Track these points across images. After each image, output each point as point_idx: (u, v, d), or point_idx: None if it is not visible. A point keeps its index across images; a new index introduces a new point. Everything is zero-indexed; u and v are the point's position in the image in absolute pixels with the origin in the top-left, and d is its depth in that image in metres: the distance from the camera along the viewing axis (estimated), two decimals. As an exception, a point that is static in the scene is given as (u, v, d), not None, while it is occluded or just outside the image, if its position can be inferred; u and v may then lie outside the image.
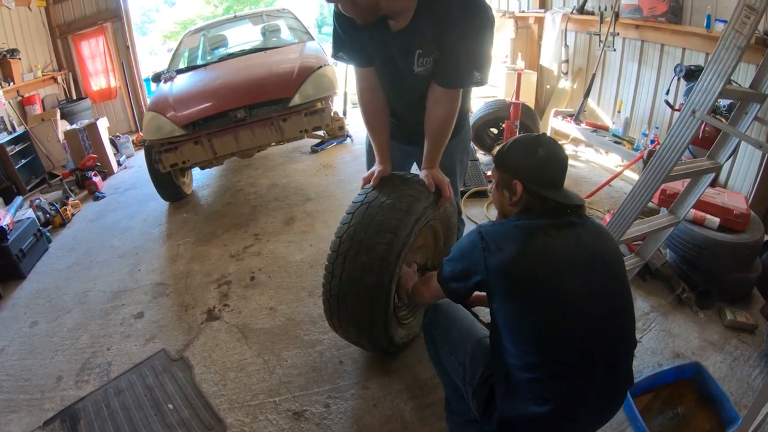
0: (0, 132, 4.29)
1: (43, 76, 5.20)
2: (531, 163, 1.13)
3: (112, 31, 5.81)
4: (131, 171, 4.85)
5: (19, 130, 4.47)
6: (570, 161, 1.42)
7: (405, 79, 1.50)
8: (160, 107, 3.24)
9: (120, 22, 5.79)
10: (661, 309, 2.09)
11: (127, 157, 5.23)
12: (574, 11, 3.92)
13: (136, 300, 2.54)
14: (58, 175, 4.55)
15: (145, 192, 3.96)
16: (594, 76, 3.74)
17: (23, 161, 4.37)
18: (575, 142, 4.07)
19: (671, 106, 2.91)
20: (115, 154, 5.00)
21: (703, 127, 1.85)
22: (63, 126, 4.88)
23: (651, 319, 2.04)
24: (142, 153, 3.81)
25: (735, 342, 1.87)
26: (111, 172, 4.75)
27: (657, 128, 3.20)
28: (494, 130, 3.89)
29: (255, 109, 3.18)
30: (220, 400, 1.82)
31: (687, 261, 2.18)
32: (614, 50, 3.54)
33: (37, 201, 3.62)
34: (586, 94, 3.77)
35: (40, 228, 3.27)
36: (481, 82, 1.47)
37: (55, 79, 5.43)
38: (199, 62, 4.12)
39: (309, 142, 4.45)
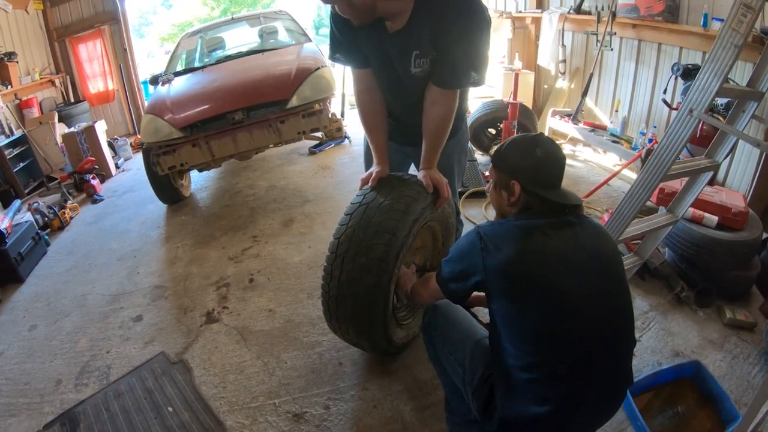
0: (-2, 135, 4.29)
1: (41, 79, 5.20)
2: (529, 163, 1.13)
3: (110, 34, 5.81)
4: (129, 174, 4.85)
5: (17, 133, 4.46)
6: (568, 161, 1.42)
7: (402, 80, 1.50)
8: (158, 110, 3.24)
9: (117, 25, 5.80)
10: (661, 308, 2.09)
11: (125, 160, 5.23)
12: (571, 11, 3.93)
13: (134, 303, 2.54)
14: (57, 179, 4.56)
15: (144, 195, 3.96)
16: (591, 75, 3.74)
17: (21, 164, 4.36)
18: (573, 141, 4.08)
19: (669, 105, 2.92)
20: (113, 157, 5.00)
21: (700, 125, 1.85)
22: (61, 129, 4.88)
23: (650, 317, 2.04)
24: (140, 156, 3.80)
25: (734, 340, 1.87)
26: (109, 175, 4.75)
27: (655, 127, 3.20)
28: (492, 131, 3.89)
29: (253, 111, 3.18)
30: (220, 403, 1.81)
31: (686, 259, 2.18)
32: (611, 50, 3.54)
33: (36, 204, 3.61)
34: (584, 94, 3.78)
35: (39, 231, 3.26)
36: (478, 83, 1.47)
37: (52, 82, 5.43)
38: (197, 64, 4.12)
39: (307, 143, 4.44)
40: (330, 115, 3.34)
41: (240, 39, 5.11)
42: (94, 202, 4.12)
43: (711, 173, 1.86)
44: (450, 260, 1.19)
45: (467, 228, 1.52)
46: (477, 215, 3.03)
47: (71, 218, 3.76)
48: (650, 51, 3.31)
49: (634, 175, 3.07)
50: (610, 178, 3.12)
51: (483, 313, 1.57)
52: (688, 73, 2.58)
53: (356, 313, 1.55)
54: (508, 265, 1.04)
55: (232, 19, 4.96)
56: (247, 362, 2.00)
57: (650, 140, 3.10)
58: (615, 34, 3.47)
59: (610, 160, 3.67)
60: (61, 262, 3.12)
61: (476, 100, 4.35)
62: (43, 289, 2.80)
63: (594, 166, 3.68)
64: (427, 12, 1.34)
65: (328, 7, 1.39)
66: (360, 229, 1.49)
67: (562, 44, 4.14)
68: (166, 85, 3.60)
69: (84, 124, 4.86)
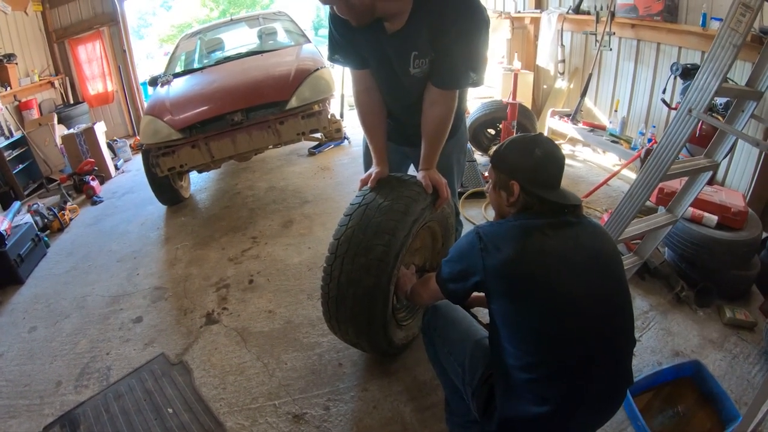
0: (-3, 137, 4.29)
1: (40, 80, 5.20)
2: (528, 163, 1.13)
3: (109, 35, 5.81)
4: (129, 175, 4.84)
5: (17, 134, 4.45)
6: (567, 161, 1.42)
7: (401, 81, 1.50)
8: (157, 111, 3.23)
9: (116, 26, 5.79)
10: (660, 307, 2.09)
11: (125, 161, 5.23)
12: (570, 11, 3.93)
13: (134, 304, 2.53)
14: (56, 180, 4.54)
15: (143, 196, 3.95)
16: (590, 75, 3.75)
17: (21, 166, 4.36)
18: (572, 141, 4.08)
19: (668, 105, 2.92)
20: (112, 158, 5.00)
21: (700, 125, 1.85)
22: (60, 130, 4.87)
23: (650, 317, 2.04)
24: (139, 157, 3.79)
25: (734, 339, 1.87)
26: (109, 177, 4.74)
27: (654, 127, 3.21)
28: (491, 131, 3.89)
29: (252, 113, 3.18)
30: (220, 404, 1.81)
31: (685, 259, 2.18)
32: (610, 50, 3.55)
33: (35, 206, 3.61)
34: (583, 94, 3.78)
35: (38, 233, 3.26)
36: (477, 83, 1.47)
37: (52, 84, 5.43)
38: (196, 66, 4.12)
39: (306, 144, 4.45)
40: (329, 116, 3.35)
41: (239, 40, 5.11)
42: (94, 203, 4.11)
43: (710, 173, 1.86)
44: (449, 261, 1.19)
45: (467, 228, 1.52)
46: (476, 215, 3.03)
47: (71, 220, 3.76)
48: (649, 51, 3.32)
49: (633, 175, 3.07)
50: (609, 178, 3.12)
51: (483, 313, 1.57)
52: (687, 73, 2.58)
53: (356, 313, 1.55)
54: (508, 265, 1.04)
55: (231, 20, 4.96)
56: (247, 363, 2.00)
57: (649, 140, 3.10)
58: (614, 34, 3.47)
59: (609, 160, 3.67)
60: (61, 263, 3.12)
61: (475, 101, 4.36)
62: (42, 291, 2.80)
63: (593, 166, 3.68)
64: (426, 13, 1.34)
65: (327, 8, 1.39)
66: (359, 229, 1.49)
67: (561, 44, 4.14)
68: (166, 87, 3.60)
69: (83, 126, 4.86)
